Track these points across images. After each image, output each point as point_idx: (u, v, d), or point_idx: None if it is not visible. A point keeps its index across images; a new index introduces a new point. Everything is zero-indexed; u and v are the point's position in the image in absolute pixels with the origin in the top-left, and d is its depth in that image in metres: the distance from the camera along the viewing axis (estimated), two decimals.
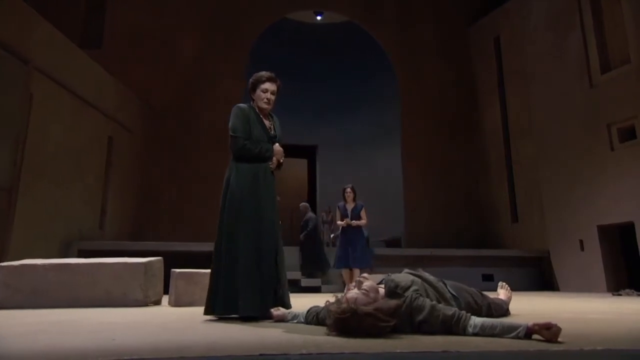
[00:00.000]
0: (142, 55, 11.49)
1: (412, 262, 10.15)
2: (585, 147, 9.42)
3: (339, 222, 6.58)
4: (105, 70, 9.69)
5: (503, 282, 3.16)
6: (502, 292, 3.08)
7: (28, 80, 7.34)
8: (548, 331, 1.71)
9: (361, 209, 6.54)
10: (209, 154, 10.89)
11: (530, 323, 1.77)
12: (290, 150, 15.25)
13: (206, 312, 2.74)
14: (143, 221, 10.64)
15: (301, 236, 9.26)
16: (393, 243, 12.31)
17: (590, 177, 9.26)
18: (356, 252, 6.20)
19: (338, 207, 6.69)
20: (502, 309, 2.80)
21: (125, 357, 1.38)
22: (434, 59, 13.17)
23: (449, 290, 2.37)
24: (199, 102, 11.62)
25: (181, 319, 2.73)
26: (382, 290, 2.09)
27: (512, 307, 3.43)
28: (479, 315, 2.47)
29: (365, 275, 2.13)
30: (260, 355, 1.43)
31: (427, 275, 2.40)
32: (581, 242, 9.46)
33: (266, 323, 2.51)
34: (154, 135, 11.12)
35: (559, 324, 1.71)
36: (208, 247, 8.21)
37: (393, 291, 2.05)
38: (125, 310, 3.60)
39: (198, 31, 12.15)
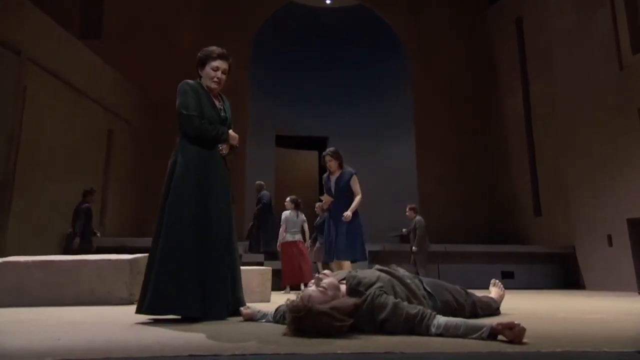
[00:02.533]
0: (141, 46, 11.62)
1: (428, 258, 10.07)
2: (614, 134, 9.13)
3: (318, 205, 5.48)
4: (105, 61, 9.85)
5: (496, 279, 3.08)
6: (493, 290, 3.02)
7: (21, 71, 7.50)
8: (511, 331, 1.66)
9: (350, 179, 4.92)
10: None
11: (494, 323, 1.73)
12: (300, 142, 15.35)
13: (137, 311, 2.59)
14: (145, 216, 10.80)
15: (255, 210, 9.43)
16: (407, 238, 12.20)
17: (619, 167, 8.99)
18: (340, 238, 4.72)
19: (322, 179, 5.28)
20: (490, 308, 2.74)
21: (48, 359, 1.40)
22: (450, 43, 12.95)
23: (424, 288, 2.33)
24: None
25: (147, 318, 2.69)
26: (344, 288, 2.07)
27: (508, 306, 3.37)
28: (461, 314, 2.43)
29: (326, 272, 2.10)
30: (189, 356, 1.42)
31: (400, 271, 2.36)
32: (609, 236, 9.20)
33: (215, 323, 2.45)
34: (154, 127, 11.27)
35: (536, 323, 1.66)
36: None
37: (355, 289, 2.02)
38: (105, 308, 3.66)
39: (198, 19, 12.22)
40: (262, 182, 9.91)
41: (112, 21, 11.88)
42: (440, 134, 12.52)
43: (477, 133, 12.63)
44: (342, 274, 2.19)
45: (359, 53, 13.61)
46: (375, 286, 2.02)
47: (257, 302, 4.14)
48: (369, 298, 1.97)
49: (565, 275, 10.38)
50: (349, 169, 5.05)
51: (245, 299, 4.36)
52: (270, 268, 4.77)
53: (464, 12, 13.20)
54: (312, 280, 2.04)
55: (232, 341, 1.78)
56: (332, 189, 4.99)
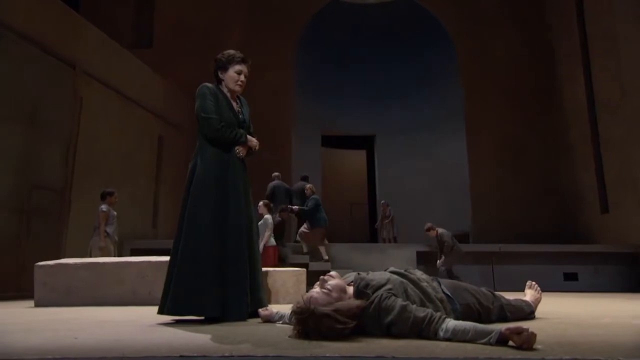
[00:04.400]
0: (189, 52, 12.07)
1: (480, 259, 9.72)
2: None
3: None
4: (156, 69, 10.36)
5: (532, 281, 2.91)
6: (529, 293, 2.85)
7: (77, 83, 8.05)
8: (519, 336, 1.57)
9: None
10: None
11: (503, 328, 1.64)
12: (347, 142, 15.35)
13: (158, 312, 2.68)
14: None
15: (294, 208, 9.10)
16: (461, 238, 11.81)
17: None
18: None
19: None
20: (521, 312, 2.59)
21: (48, 357, 1.49)
22: (501, 29, 12.42)
23: (442, 291, 2.25)
24: (246, 95, 11.96)
25: (171, 319, 2.77)
26: (351, 290, 2.04)
27: (549, 309, 3.18)
28: (486, 318, 2.33)
29: (332, 273, 2.08)
30: (180, 357, 1.46)
31: (417, 274, 2.29)
32: None
33: (232, 324, 2.48)
34: None
35: (566, 329, 1.55)
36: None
37: (362, 291, 1.99)
38: (142, 309, 3.83)
39: (243, 22, 12.52)
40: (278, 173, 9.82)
41: (162, 30, 12.45)
42: (493, 128, 12.03)
43: (535, 125, 12.01)
44: (351, 276, 2.16)
45: (404, 47, 13.38)
46: (383, 288, 1.98)
47: (292, 303, 4.19)
48: (375, 300, 1.93)
49: (637, 277, 9.61)
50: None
51: (280, 300, 4.44)
52: (304, 270, 4.79)
53: None
54: (318, 282, 2.03)
55: (233, 343, 1.81)
56: None
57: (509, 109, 12.10)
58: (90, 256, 6.58)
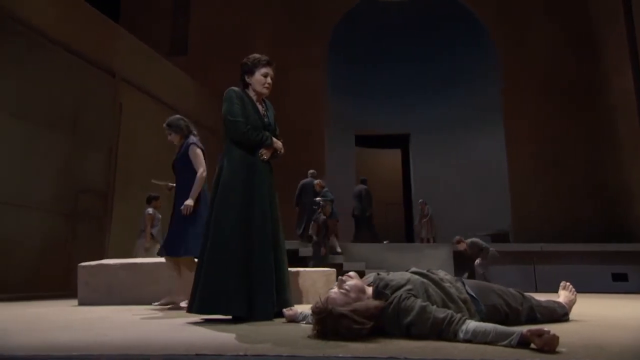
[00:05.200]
0: (223, 57, 12.31)
1: (520, 259, 9.44)
2: None
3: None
4: (191, 75, 10.65)
5: (567, 282, 2.79)
6: (562, 294, 2.74)
7: (116, 91, 8.39)
8: (539, 339, 1.52)
9: (188, 149, 4.07)
10: (289, 149, 11.24)
11: (524, 329, 1.59)
12: (381, 141, 15.23)
13: (187, 311, 2.76)
14: None
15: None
16: (500, 237, 11.50)
17: None
18: (169, 229, 4.02)
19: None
20: (553, 314, 2.50)
21: (59, 353, 1.56)
22: (540, 21, 12.00)
23: (466, 291, 2.20)
24: (278, 96, 12.08)
25: (200, 318, 2.85)
26: (370, 291, 2.03)
27: (586, 311, 3.05)
28: (515, 319, 2.27)
29: (350, 274, 2.08)
30: (196, 355, 1.51)
31: (441, 274, 2.25)
32: None
33: (258, 324, 2.52)
34: None
35: (599, 332, 1.50)
36: (293, 245, 8.61)
37: (381, 291, 1.98)
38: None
39: (275, 24, 12.65)
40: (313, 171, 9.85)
41: (197, 37, 12.77)
42: (534, 123, 11.64)
43: (579, 120, 11.53)
44: (371, 276, 2.15)
45: (437, 43, 13.15)
46: (403, 289, 1.96)
47: None
48: (394, 301, 1.91)
49: None
50: (192, 137, 4.21)
51: (310, 300, 4.47)
52: (334, 270, 4.79)
53: None
54: (336, 282, 2.03)
55: (252, 342, 1.84)
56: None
57: (549, 103, 11.67)
58: (136, 257, 6.86)
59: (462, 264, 8.82)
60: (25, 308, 4.11)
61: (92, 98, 7.79)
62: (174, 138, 4.24)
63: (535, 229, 10.64)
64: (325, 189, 9.06)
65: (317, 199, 8.94)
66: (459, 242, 8.31)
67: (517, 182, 11.56)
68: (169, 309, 3.85)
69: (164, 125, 4.31)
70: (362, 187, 11.22)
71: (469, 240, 8.32)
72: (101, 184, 7.95)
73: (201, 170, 4.03)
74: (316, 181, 9.36)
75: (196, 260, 4.02)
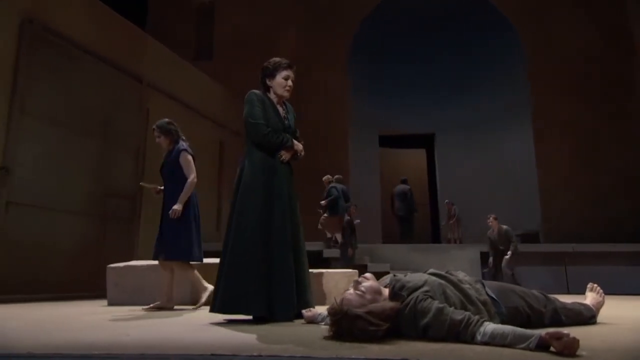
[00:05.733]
0: (247, 61, 12.43)
1: (551, 260, 9.19)
2: None
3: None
4: (216, 79, 10.83)
5: (596, 283, 2.70)
6: (590, 296, 2.65)
7: (143, 96, 8.60)
8: (558, 342, 1.48)
9: (178, 155, 4.10)
10: (313, 150, 11.25)
11: (543, 332, 1.55)
12: (406, 141, 15.07)
13: (210, 310, 2.82)
14: None
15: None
16: (529, 237, 11.23)
17: None
18: (160, 233, 4.05)
19: None
20: (579, 317, 2.42)
21: (73, 352, 1.61)
22: (571, 16, 11.68)
23: (486, 293, 2.16)
24: (301, 98, 12.12)
25: (223, 318, 2.90)
26: (386, 292, 2.02)
27: (614, 314, 2.95)
28: (538, 322, 2.22)
29: (366, 275, 2.07)
30: (212, 355, 1.53)
31: (460, 275, 2.21)
32: None
33: (278, 324, 2.54)
34: None
35: (626, 335, 1.45)
36: (317, 246, 8.63)
37: (397, 293, 1.96)
38: (202, 309, 4.01)
39: (298, 26, 12.71)
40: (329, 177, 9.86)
41: (221, 42, 12.97)
42: (564, 120, 11.31)
43: (612, 118, 11.15)
44: (388, 278, 2.14)
45: (461, 41, 12.92)
46: (420, 290, 1.94)
47: None
48: (411, 302, 1.90)
49: None
50: (182, 143, 4.22)
51: (332, 301, 4.46)
52: (356, 271, 4.78)
53: None
54: (352, 284, 2.03)
55: (268, 343, 1.85)
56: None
57: (580, 100, 11.33)
58: None
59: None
60: (58, 308, 4.26)
61: (121, 104, 8.01)
62: (163, 141, 4.25)
63: (566, 229, 10.34)
64: (331, 185, 9.03)
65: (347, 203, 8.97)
66: (495, 219, 8.43)
67: (547, 182, 11.27)
68: (157, 309, 3.87)
69: (153, 126, 4.32)
70: (405, 187, 11.29)
71: (505, 226, 8.32)
72: (129, 187, 8.15)
73: (192, 176, 4.10)
74: (325, 177, 9.39)
75: (192, 263, 4.15)
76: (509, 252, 8.13)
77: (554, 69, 11.59)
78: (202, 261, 4.23)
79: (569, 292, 8.21)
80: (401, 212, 11.15)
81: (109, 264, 5.14)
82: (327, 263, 8.37)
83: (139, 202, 8.35)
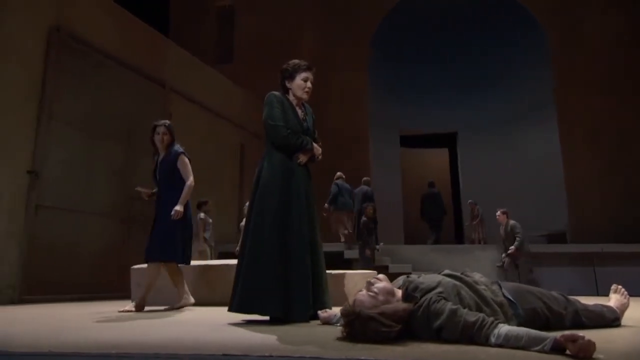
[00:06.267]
0: (266, 61, 12.52)
1: (579, 261, 8.95)
2: None
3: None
4: (237, 81, 10.96)
5: (619, 284, 2.62)
6: (614, 297, 2.57)
7: (166, 101, 8.76)
8: (573, 344, 1.44)
9: (176, 158, 4.13)
10: (334, 151, 11.21)
11: (558, 335, 1.52)
12: (427, 140, 14.91)
13: (228, 310, 2.85)
14: None
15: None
16: (556, 238, 10.97)
17: None
18: (152, 237, 4.01)
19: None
20: (602, 319, 2.35)
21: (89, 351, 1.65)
22: (596, 11, 11.37)
23: (503, 294, 2.12)
24: (321, 99, 12.14)
25: (241, 319, 2.93)
26: (399, 293, 2.01)
27: (638, 315, 2.85)
28: (557, 324, 2.17)
29: (379, 276, 2.06)
30: (223, 355, 1.55)
31: (476, 277, 2.18)
32: None
33: (294, 325, 2.54)
34: None
35: None
36: (338, 247, 8.63)
37: (410, 294, 1.95)
38: (222, 308, 4.06)
39: (317, 27, 12.74)
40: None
41: (242, 45, 13.11)
42: (591, 116, 11.01)
43: None
44: (401, 279, 2.13)
45: (483, 38, 12.71)
46: (433, 292, 1.92)
47: None
48: (424, 304, 1.88)
49: None
50: (176, 147, 4.22)
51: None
52: (376, 272, 4.75)
53: None
54: (365, 285, 2.02)
55: (281, 343, 1.87)
56: (157, 170, 4.19)
57: (608, 96, 11.01)
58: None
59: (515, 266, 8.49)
60: (84, 308, 4.38)
61: (144, 109, 8.17)
62: (166, 140, 4.15)
63: (595, 229, 10.06)
64: (339, 180, 9.07)
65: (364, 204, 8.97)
66: (504, 213, 8.31)
67: (574, 181, 10.99)
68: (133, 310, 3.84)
69: (162, 124, 4.19)
70: (434, 190, 11.25)
71: (512, 221, 8.18)
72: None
73: (191, 179, 4.12)
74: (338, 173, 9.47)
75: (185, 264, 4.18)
76: (512, 247, 7.98)
77: (580, 63, 11.30)
78: (189, 264, 4.27)
79: (597, 294, 7.98)
80: (434, 214, 11.09)
81: (133, 265, 5.26)
82: (349, 264, 8.35)
83: None
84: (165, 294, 4.76)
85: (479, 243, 11.33)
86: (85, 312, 3.77)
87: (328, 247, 8.63)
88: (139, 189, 4.07)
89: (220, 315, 3.36)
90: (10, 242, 5.69)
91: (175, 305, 4.04)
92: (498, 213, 8.40)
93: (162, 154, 4.15)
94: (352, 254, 8.60)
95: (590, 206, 10.59)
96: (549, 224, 11.12)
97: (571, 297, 2.36)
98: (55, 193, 6.33)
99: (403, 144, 13.81)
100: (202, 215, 8.14)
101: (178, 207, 3.93)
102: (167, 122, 4.28)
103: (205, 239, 8.16)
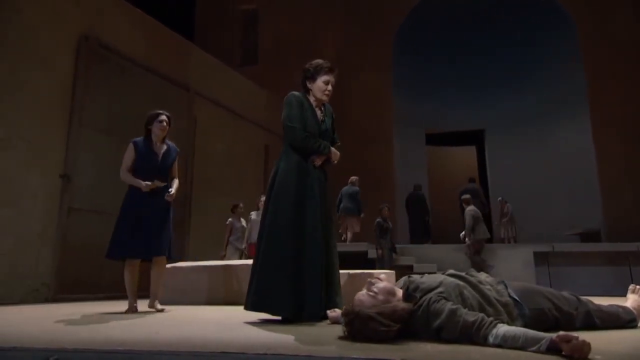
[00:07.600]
0: (290, 62, 12.64)
1: (614, 260, 8.65)
2: None
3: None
4: (261, 83, 11.10)
5: (636, 285, 2.54)
6: (631, 298, 2.50)
7: (191, 104, 8.96)
8: (567, 345, 1.43)
9: (176, 156, 4.18)
10: (356, 150, 11.20)
11: (554, 335, 1.50)
12: (454, 138, 14.69)
13: (244, 308, 2.89)
14: None
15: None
16: (590, 236, 10.61)
17: None
18: (154, 232, 3.87)
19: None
20: (616, 320, 2.29)
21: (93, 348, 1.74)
22: (628, 4, 10.94)
23: (509, 294, 2.10)
24: (345, 99, 12.14)
25: (257, 318, 2.99)
26: (400, 293, 2.02)
27: None
28: (567, 325, 2.13)
29: (381, 276, 2.07)
30: (222, 352, 1.61)
31: (479, 276, 2.17)
32: None
33: (304, 325, 2.57)
34: None
35: None
36: (362, 247, 8.63)
37: (411, 294, 1.96)
38: (240, 308, 4.15)
39: (340, 26, 12.75)
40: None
41: (265, 47, 13.27)
42: (624, 110, 10.61)
43: None
44: (402, 279, 2.14)
45: (510, 33, 12.41)
46: (434, 292, 1.93)
47: None
48: (424, 304, 1.89)
49: None
50: (172, 143, 4.23)
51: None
52: (393, 272, 4.74)
53: None
54: (365, 285, 2.05)
55: (287, 341, 1.91)
56: (158, 164, 4.04)
57: None
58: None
59: (542, 264, 8.29)
60: (109, 306, 4.55)
61: (170, 112, 8.37)
62: (165, 133, 4.12)
63: (631, 227, 9.69)
64: (347, 185, 9.29)
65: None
66: (468, 202, 8.58)
67: (608, 176, 10.61)
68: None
69: (167, 115, 4.18)
70: (474, 185, 11.16)
71: (470, 207, 8.36)
72: (180, 193, 8.51)
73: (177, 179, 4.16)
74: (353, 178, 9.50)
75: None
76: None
77: (612, 55, 10.92)
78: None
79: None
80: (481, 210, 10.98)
81: None
82: (372, 264, 8.34)
83: (189, 206, 8.72)
84: (189, 294, 4.91)
85: (509, 242, 11.09)
86: (107, 310, 3.91)
87: (352, 246, 8.68)
88: (157, 182, 4.06)
89: (236, 314, 3.44)
90: (45, 243, 5.96)
91: (158, 307, 3.93)
92: (464, 199, 8.86)
93: (158, 144, 4.07)
94: (375, 254, 8.58)
95: (625, 203, 10.22)
96: (582, 222, 10.78)
97: (583, 298, 2.31)
98: (86, 196, 6.58)
99: (429, 143, 13.64)
100: (230, 219, 8.34)
101: (173, 191, 3.95)
102: (167, 113, 4.24)
103: (229, 243, 8.34)
